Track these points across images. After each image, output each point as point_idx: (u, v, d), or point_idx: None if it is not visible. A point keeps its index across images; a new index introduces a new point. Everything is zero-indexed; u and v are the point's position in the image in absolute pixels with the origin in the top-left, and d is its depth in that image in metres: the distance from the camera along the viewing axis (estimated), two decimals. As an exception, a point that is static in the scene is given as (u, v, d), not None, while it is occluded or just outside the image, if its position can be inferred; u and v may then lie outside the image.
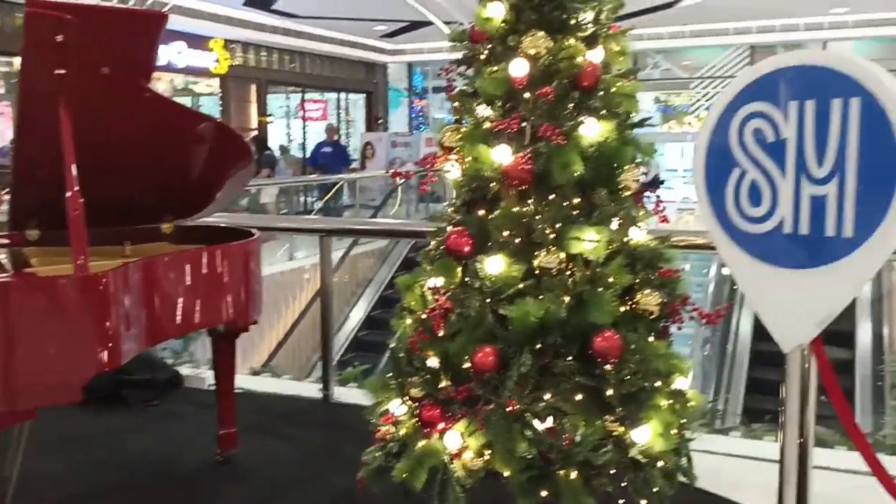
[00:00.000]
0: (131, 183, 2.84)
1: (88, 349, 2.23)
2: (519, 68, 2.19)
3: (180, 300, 2.64)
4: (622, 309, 2.19)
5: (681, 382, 2.29)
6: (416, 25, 15.05)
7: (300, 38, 16.12)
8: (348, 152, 12.84)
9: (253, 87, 16.07)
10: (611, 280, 2.15)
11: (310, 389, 4.29)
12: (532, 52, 2.21)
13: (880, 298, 7.80)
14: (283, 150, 16.56)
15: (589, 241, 2.14)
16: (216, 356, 3.35)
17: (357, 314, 10.40)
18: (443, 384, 2.24)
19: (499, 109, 2.29)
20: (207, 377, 4.30)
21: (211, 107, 16.42)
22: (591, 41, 2.27)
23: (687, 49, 17.74)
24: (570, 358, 2.14)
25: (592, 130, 2.21)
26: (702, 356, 8.92)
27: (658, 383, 2.20)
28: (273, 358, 8.70)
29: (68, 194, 2.30)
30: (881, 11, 14.32)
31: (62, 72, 2.38)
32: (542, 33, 2.21)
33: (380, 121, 20.11)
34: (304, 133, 18.05)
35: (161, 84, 15.86)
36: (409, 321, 2.34)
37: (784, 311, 1.70)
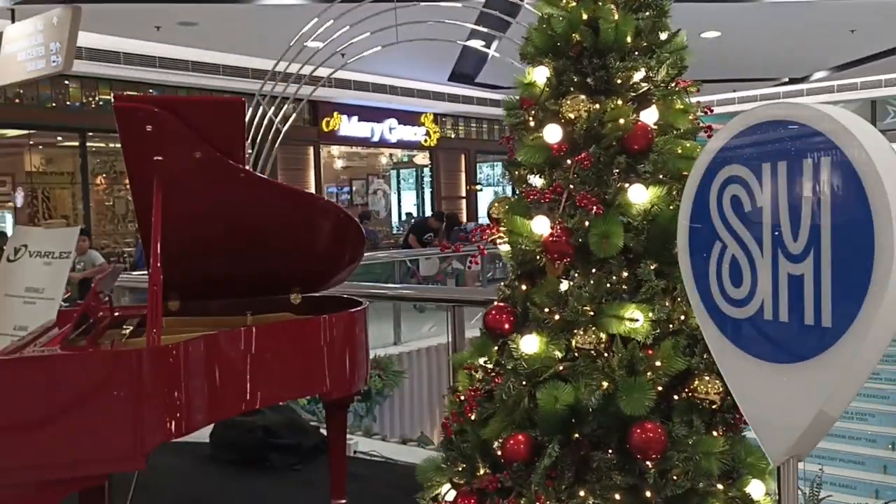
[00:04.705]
0: (253, 258, 3.02)
1: (156, 419, 2.33)
2: (553, 134, 2.05)
3: (260, 371, 2.69)
4: (675, 398, 1.93)
5: (755, 487, 1.95)
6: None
7: (506, 107, 16.49)
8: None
9: (462, 157, 16.66)
10: (657, 364, 1.90)
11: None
12: (571, 115, 2.05)
13: None
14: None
15: (630, 320, 1.92)
16: (327, 424, 3.39)
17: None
18: (481, 472, 2.09)
19: (546, 178, 2.15)
20: (353, 444, 4.36)
21: (426, 176, 17.22)
22: (642, 101, 2.08)
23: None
24: (609, 451, 1.91)
25: (640, 197, 2.00)
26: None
27: (719, 486, 1.90)
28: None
29: (150, 270, 2.47)
30: None
31: (160, 158, 2.60)
32: (582, 96, 2.06)
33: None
34: (514, 199, 18.31)
35: (383, 158, 16.96)
36: (451, 402, 2.23)
37: (771, 416, 1.36)
